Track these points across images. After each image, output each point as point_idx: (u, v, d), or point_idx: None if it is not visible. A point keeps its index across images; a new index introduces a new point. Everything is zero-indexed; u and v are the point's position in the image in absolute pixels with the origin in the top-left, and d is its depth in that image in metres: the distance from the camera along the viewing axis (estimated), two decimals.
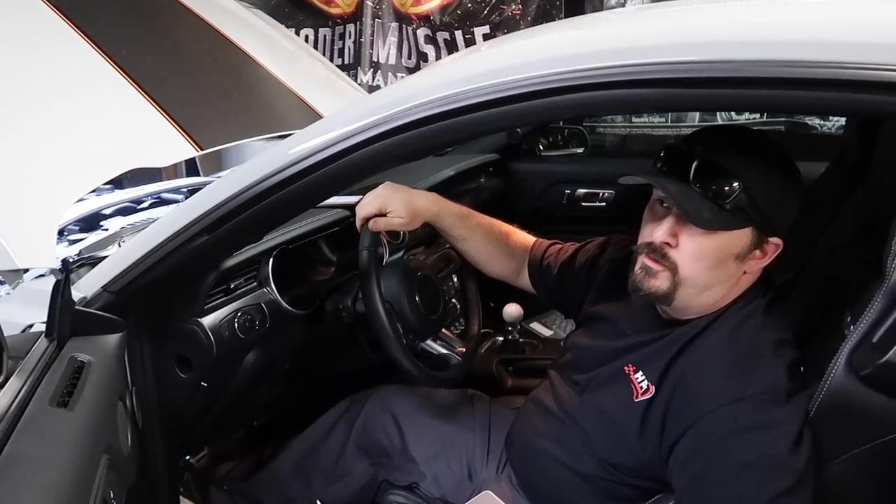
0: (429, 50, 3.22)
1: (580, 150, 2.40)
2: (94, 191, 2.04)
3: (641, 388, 0.99)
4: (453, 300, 1.66)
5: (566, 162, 2.40)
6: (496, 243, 1.36)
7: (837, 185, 1.37)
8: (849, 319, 0.85)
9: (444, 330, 1.39)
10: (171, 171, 3.11)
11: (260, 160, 0.95)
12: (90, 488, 0.68)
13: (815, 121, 2.71)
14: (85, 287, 1.04)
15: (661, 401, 0.96)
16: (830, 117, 2.64)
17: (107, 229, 1.70)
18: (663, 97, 0.75)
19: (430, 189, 1.85)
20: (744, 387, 0.89)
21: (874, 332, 0.79)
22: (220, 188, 0.97)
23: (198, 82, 1.86)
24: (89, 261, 1.32)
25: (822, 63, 0.66)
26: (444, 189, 1.94)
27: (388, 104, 0.87)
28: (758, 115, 2.73)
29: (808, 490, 0.84)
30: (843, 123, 1.75)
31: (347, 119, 0.89)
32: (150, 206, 1.99)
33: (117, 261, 1.03)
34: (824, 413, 0.83)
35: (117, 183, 2.23)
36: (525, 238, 1.40)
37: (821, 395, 0.83)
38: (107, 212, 1.86)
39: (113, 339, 0.95)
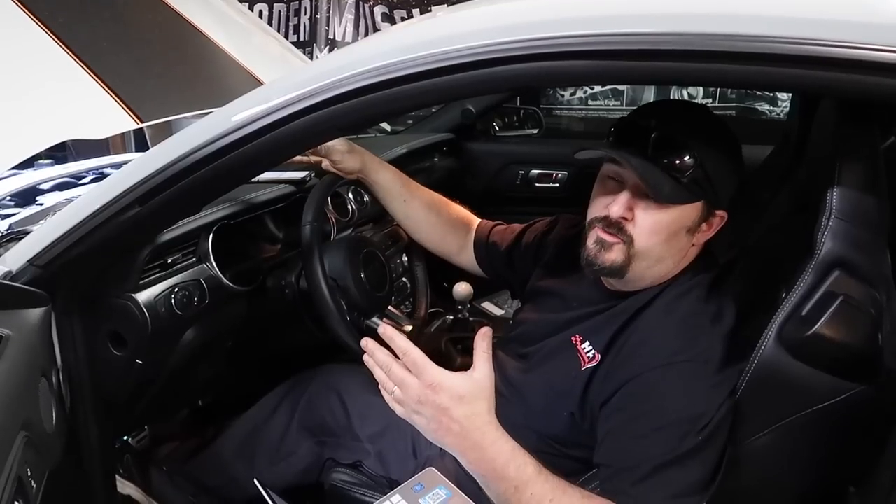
0: (386, 28, 3.17)
1: (535, 131, 2.40)
2: (31, 165, 1.97)
3: (588, 357, 1.00)
4: (403, 278, 1.65)
5: (521, 143, 2.40)
6: (437, 212, 1.37)
7: (780, 168, 1.40)
8: (784, 295, 0.86)
9: (390, 308, 1.38)
10: (119, 145, 3.02)
11: (193, 129, 0.92)
12: (2, 465, 0.65)
13: (764, 106, 2.76)
14: (11, 261, 0.99)
15: (605, 368, 0.98)
16: (779, 104, 2.70)
17: (42, 204, 1.63)
18: (600, 69, 0.75)
19: None
20: (675, 351, 0.91)
21: (803, 305, 0.81)
22: (153, 157, 0.93)
23: (141, 54, 1.79)
24: (20, 235, 1.27)
25: (761, 37, 0.66)
26: (397, 167, 1.92)
27: (326, 73, 0.84)
28: (710, 99, 2.77)
29: (710, 455, 0.86)
30: (789, 109, 1.78)
31: (285, 88, 0.87)
32: (92, 182, 1.92)
33: (44, 234, 0.99)
34: (754, 384, 0.85)
35: (57, 157, 2.15)
36: (465, 214, 1.41)
37: (752, 367, 0.85)
38: (44, 186, 1.79)
39: (35, 314, 0.90)
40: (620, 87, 2.94)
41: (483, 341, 0.89)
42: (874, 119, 0.91)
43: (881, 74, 0.63)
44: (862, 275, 0.80)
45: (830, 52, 0.64)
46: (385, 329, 0.89)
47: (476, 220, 1.41)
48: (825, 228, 0.81)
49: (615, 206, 0.94)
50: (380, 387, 0.89)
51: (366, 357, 0.90)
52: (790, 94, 1.79)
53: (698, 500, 0.86)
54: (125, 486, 1.42)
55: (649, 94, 2.84)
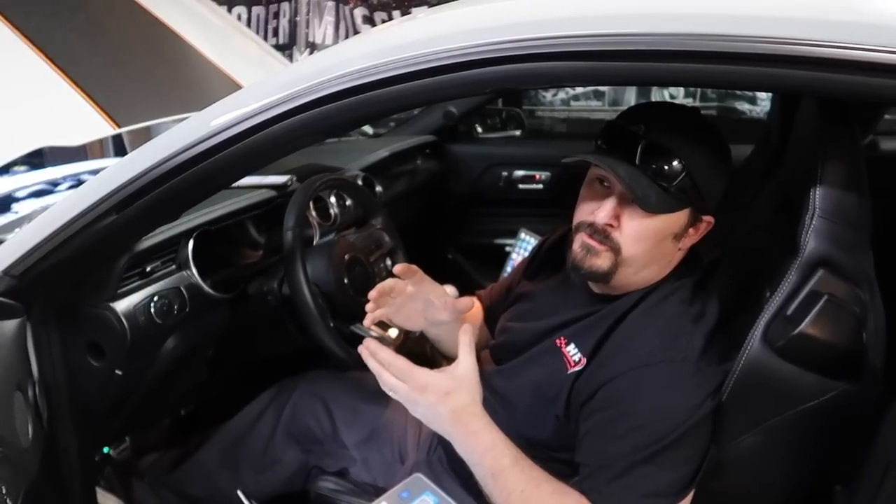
0: (366, 30, 3.16)
1: (518, 133, 2.40)
2: (6, 171, 1.93)
3: (574, 360, 1.00)
4: None
5: (504, 144, 2.40)
6: None
7: (761, 166, 1.40)
8: (768, 295, 0.86)
9: None
10: (97, 151, 2.96)
11: (170, 134, 0.90)
12: None
13: (744, 105, 2.78)
14: None
15: (589, 371, 0.97)
16: (758, 103, 2.72)
17: (17, 212, 1.60)
18: (586, 70, 0.74)
19: (365, 170, 1.82)
20: (653, 352, 0.91)
21: (788, 305, 0.81)
22: (130, 163, 0.92)
23: (117, 58, 1.77)
24: None
25: (742, 37, 0.66)
26: (380, 171, 1.91)
27: (306, 76, 0.83)
28: (691, 99, 2.79)
29: (687, 455, 0.87)
30: (769, 109, 1.79)
31: (264, 91, 0.86)
32: (69, 189, 1.88)
33: (19, 242, 0.97)
34: (741, 385, 0.85)
35: (33, 164, 2.11)
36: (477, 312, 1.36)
37: (738, 368, 0.85)
38: (20, 194, 1.75)
39: (9, 326, 0.88)
40: (602, 88, 2.95)
41: (465, 336, 0.99)
42: (854, 117, 0.91)
43: (862, 74, 0.63)
44: (846, 274, 0.81)
45: (812, 51, 0.64)
46: (368, 344, 0.98)
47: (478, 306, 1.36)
48: (808, 228, 0.81)
49: (601, 212, 0.93)
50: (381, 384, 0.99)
51: (365, 355, 0.99)
52: (770, 94, 1.81)
53: (674, 500, 0.86)
54: (107, 499, 1.39)
55: (631, 95, 2.85)
